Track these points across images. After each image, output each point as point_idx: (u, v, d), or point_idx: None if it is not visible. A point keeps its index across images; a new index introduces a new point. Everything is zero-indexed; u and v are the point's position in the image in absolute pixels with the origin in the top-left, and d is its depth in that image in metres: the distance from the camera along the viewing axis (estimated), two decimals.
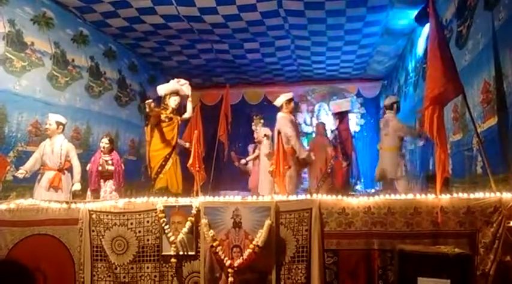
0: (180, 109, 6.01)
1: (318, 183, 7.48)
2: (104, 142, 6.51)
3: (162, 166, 5.58)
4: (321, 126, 8.49)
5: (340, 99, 10.90)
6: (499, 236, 3.34)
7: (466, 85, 4.14)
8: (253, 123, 8.22)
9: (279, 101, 6.60)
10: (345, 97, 12.03)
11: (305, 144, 12.23)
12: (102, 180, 6.39)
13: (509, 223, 3.34)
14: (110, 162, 6.46)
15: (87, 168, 6.42)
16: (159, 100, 5.92)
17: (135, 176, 8.22)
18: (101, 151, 6.51)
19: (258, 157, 7.72)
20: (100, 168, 6.35)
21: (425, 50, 5.98)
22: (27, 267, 1.93)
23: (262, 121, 8.04)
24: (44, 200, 4.43)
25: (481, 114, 4.54)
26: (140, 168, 9.20)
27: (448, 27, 5.68)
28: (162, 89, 5.96)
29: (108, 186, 6.41)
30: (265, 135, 7.41)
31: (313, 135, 8.85)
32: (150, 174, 5.61)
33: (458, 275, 2.99)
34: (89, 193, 6.36)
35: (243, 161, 8.80)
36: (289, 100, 6.52)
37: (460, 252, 3.12)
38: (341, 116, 7.84)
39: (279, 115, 6.41)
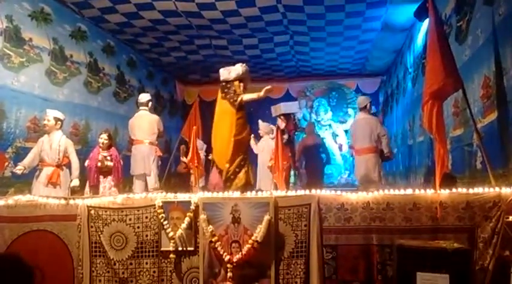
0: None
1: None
2: (103, 138, 6.50)
3: (245, 160, 5.10)
4: (312, 125, 8.56)
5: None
6: (498, 231, 3.34)
7: (466, 81, 4.13)
8: None
9: (363, 102, 6.81)
10: (344, 93, 12.07)
11: None
12: (101, 176, 6.39)
13: (508, 218, 3.34)
14: (108, 157, 6.46)
15: (86, 164, 6.42)
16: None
17: None
18: (100, 147, 6.50)
19: None
20: (99, 164, 6.34)
21: (425, 45, 5.97)
22: (25, 262, 1.93)
23: None
24: (42, 196, 4.41)
25: (481, 109, 4.53)
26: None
27: (447, 22, 5.67)
28: (234, 72, 5.40)
29: (107, 182, 6.41)
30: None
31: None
32: (222, 170, 5.04)
33: (457, 270, 2.99)
34: (87, 189, 6.36)
35: None
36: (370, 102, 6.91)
37: (459, 247, 3.12)
38: (287, 118, 7.55)
39: (366, 116, 6.70)
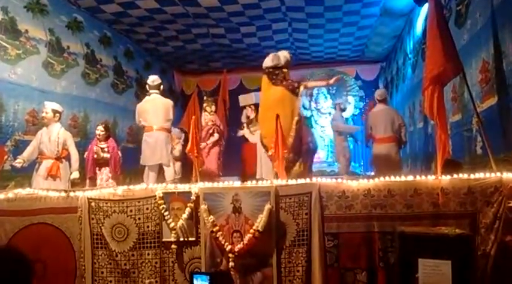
0: None
1: None
2: (100, 130, 6.49)
3: (301, 147, 5.19)
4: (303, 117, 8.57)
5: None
6: (500, 216, 3.33)
7: (464, 65, 4.10)
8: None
9: (383, 95, 7.01)
10: (344, 80, 11.98)
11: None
12: (97, 168, 6.38)
13: (509, 203, 3.33)
14: (105, 149, 6.44)
15: (85, 155, 6.41)
16: None
17: (134, 163, 8.19)
18: (97, 138, 6.48)
19: (218, 141, 7.56)
20: (95, 156, 6.33)
21: (424, 31, 5.93)
22: (25, 256, 1.92)
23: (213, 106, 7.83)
24: (43, 189, 4.41)
25: (480, 93, 4.51)
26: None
27: (447, 6, 5.61)
28: (284, 58, 5.51)
29: (104, 174, 6.41)
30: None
31: None
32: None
33: (459, 256, 2.98)
34: (87, 181, 6.36)
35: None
36: None
37: (460, 233, 3.11)
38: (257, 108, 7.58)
39: (386, 107, 6.88)
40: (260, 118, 5.34)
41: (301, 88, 5.26)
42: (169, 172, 6.38)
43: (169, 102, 6.46)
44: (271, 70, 5.37)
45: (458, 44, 4.37)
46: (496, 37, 4.11)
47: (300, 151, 5.17)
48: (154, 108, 6.27)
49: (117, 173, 6.52)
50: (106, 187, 5.15)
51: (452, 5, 5.44)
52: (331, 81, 5.49)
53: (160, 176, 6.42)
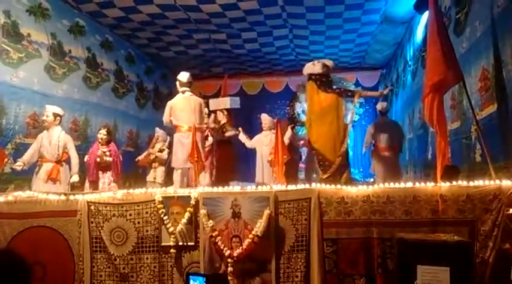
0: None
1: None
2: (102, 134, 6.50)
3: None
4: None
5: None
6: (499, 224, 3.34)
7: (463, 73, 4.12)
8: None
9: (387, 107, 7.27)
10: (344, 87, 11.98)
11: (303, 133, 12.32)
12: (100, 171, 6.38)
13: (508, 210, 3.34)
14: (107, 153, 6.45)
15: (85, 159, 6.41)
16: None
17: (134, 167, 8.21)
18: (99, 142, 6.49)
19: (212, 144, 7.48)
20: (98, 159, 6.33)
21: (425, 38, 5.95)
22: (24, 258, 1.92)
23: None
24: (42, 192, 4.42)
25: (479, 101, 4.52)
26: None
27: (447, 14, 5.64)
28: (330, 66, 5.68)
29: (106, 177, 6.41)
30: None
31: None
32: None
33: (457, 262, 2.99)
34: (87, 184, 6.35)
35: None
36: None
37: (459, 240, 3.12)
38: (230, 113, 7.62)
39: (389, 120, 7.21)
40: (311, 123, 5.48)
41: (357, 96, 5.46)
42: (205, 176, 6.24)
43: (202, 101, 6.27)
44: (318, 76, 5.51)
45: (457, 52, 4.39)
46: (496, 45, 4.13)
47: (348, 157, 5.47)
48: (189, 107, 5.98)
49: (118, 177, 6.53)
50: (107, 191, 5.14)
51: (452, 13, 5.47)
52: (385, 92, 5.85)
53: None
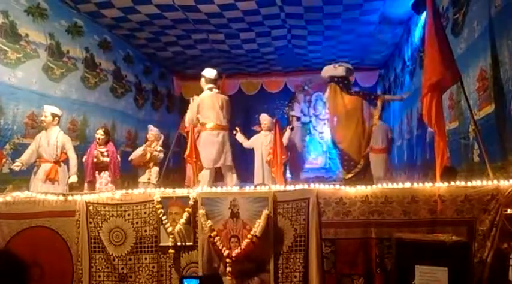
0: None
1: None
2: (99, 134, 6.50)
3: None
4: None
5: None
6: (497, 224, 3.35)
7: (461, 73, 4.13)
8: None
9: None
10: None
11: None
12: (97, 172, 6.37)
13: (506, 210, 3.35)
14: (105, 153, 6.45)
15: (83, 159, 6.41)
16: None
17: (132, 168, 8.20)
18: (97, 142, 6.49)
19: None
20: (95, 160, 6.33)
21: (423, 39, 5.97)
22: (23, 259, 1.92)
23: None
24: (41, 192, 4.41)
25: (477, 102, 4.53)
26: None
27: (444, 15, 5.65)
28: (351, 69, 5.90)
29: (103, 178, 6.41)
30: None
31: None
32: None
33: (455, 263, 3.00)
34: (86, 184, 6.35)
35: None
36: None
37: (457, 240, 3.12)
38: None
39: (381, 123, 6.93)
40: (335, 124, 5.64)
41: (380, 100, 5.65)
42: (233, 177, 6.01)
43: (228, 98, 6.16)
44: (340, 79, 5.68)
45: (455, 52, 4.41)
46: (494, 46, 4.14)
47: (369, 158, 5.67)
48: (217, 104, 5.83)
49: (116, 177, 6.52)
50: (105, 191, 5.14)
51: (450, 14, 5.48)
52: (405, 96, 6.04)
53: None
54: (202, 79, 6.04)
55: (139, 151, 7.38)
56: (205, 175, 5.68)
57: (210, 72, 6.00)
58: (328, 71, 5.80)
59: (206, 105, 5.81)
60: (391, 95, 5.85)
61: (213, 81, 5.99)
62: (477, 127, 4.03)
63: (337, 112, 5.58)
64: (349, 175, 5.38)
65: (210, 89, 5.94)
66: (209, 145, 5.73)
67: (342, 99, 5.58)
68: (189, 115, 5.88)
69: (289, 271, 3.75)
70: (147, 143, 7.47)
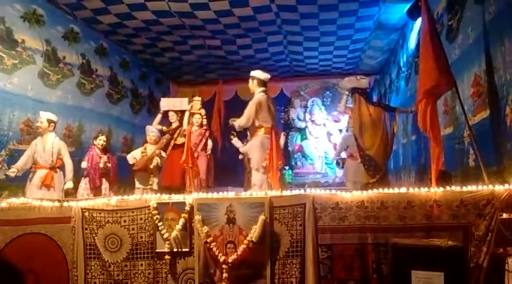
0: None
1: None
2: (102, 140, 6.51)
3: None
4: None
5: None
6: (492, 229, 3.36)
7: (456, 79, 4.15)
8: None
9: None
10: (338, 92, 12.03)
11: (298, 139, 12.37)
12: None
13: (502, 215, 3.36)
14: (108, 160, 6.46)
15: (82, 165, 6.39)
16: None
17: (129, 174, 8.18)
18: (98, 149, 6.47)
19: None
20: (101, 165, 6.32)
21: (418, 44, 6.00)
22: (18, 266, 1.92)
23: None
24: (36, 198, 4.40)
25: (471, 107, 4.56)
26: None
27: (439, 21, 5.69)
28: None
29: (105, 184, 6.40)
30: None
31: None
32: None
33: (451, 267, 3.01)
34: (79, 191, 6.29)
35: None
36: None
37: (453, 245, 3.14)
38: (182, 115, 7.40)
39: None
40: (363, 133, 5.93)
41: (398, 112, 6.20)
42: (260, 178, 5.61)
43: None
44: (363, 91, 6.12)
45: (450, 58, 4.44)
46: (488, 51, 4.17)
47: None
48: (272, 107, 5.70)
49: (114, 184, 6.51)
50: (109, 197, 5.06)
51: (444, 20, 5.52)
52: (412, 109, 6.15)
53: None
54: (255, 81, 5.76)
55: (137, 152, 6.93)
56: (260, 178, 5.50)
57: (264, 74, 5.78)
58: (351, 82, 6.20)
59: (264, 108, 5.60)
60: (402, 108, 6.35)
61: (266, 84, 5.79)
62: (472, 132, 4.05)
63: (363, 121, 5.92)
64: (373, 180, 5.72)
65: (265, 92, 5.75)
66: (262, 148, 5.53)
67: (367, 110, 5.92)
68: (248, 116, 5.63)
69: (285, 276, 3.74)
70: (150, 146, 6.97)
